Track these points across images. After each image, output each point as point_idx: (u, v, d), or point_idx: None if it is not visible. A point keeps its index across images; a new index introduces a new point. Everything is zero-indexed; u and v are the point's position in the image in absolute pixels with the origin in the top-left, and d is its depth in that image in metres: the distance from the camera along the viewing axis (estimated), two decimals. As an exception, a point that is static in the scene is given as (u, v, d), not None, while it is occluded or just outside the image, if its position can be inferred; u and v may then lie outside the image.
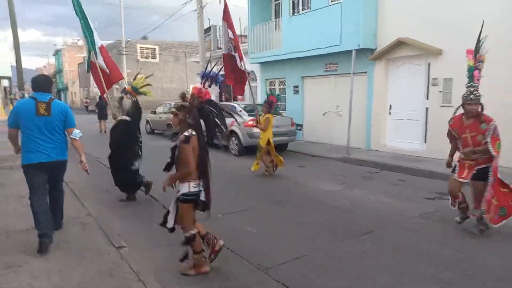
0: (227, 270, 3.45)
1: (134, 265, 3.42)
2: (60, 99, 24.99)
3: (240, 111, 10.36)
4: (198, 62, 17.57)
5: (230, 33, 7.86)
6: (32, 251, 3.65)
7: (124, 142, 5.45)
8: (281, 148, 10.94)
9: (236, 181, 7.31)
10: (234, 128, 10.23)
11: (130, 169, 5.51)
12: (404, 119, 9.60)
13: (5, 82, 39.22)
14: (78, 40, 57.54)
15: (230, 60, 7.97)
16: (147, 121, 16.23)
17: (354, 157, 9.38)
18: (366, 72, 10.20)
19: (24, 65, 15.10)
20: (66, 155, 3.98)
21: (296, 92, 12.86)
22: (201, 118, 3.15)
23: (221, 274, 3.38)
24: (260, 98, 14.02)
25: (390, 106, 9.88)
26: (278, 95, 8.42)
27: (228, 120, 4.04)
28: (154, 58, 35.12)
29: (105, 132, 16.08)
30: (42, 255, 3.59)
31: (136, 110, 5.55)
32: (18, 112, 3.76)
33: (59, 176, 4.06)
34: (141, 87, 5.61)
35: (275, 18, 13.98)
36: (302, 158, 9.99)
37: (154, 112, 15.59)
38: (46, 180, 3.85)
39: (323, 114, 11.86)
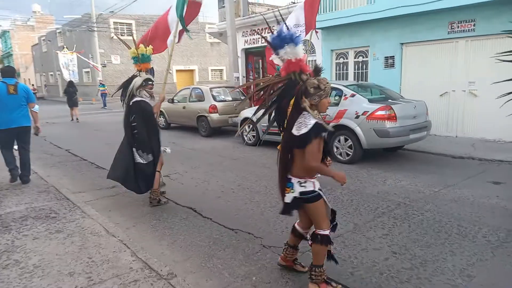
0: None
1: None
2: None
3: (353, 95, 6.72)
4: (219, 32, 13.46)
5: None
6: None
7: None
8: (394, 147, 7.42)
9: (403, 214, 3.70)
10: (346, 121, 6.58)
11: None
12: None
13: None
14: (29, 19, 49.92)
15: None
16: (161, 113, 12.04)
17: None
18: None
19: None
20: (29, 122, 5.38)
21: (390, 65, 9.29)
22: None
23: None
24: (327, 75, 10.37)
25: None
26: None
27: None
28: (130, 35, 29.72)
29: (77, 120, 14.23)
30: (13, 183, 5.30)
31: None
32: None
33: (25, 137, 5.41)
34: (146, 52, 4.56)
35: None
36: (449, 162, 6.49)
37: (172, 101, 11.45)
38: (13, 140, 5.32)
39: (441, 95, 8.44)
